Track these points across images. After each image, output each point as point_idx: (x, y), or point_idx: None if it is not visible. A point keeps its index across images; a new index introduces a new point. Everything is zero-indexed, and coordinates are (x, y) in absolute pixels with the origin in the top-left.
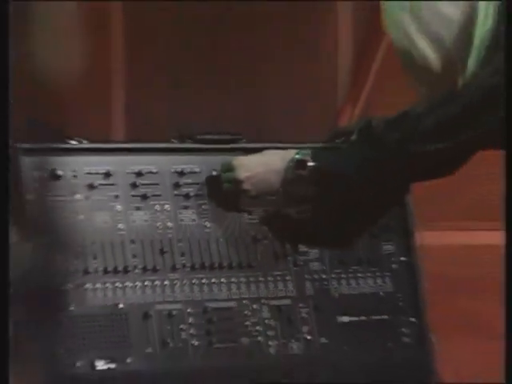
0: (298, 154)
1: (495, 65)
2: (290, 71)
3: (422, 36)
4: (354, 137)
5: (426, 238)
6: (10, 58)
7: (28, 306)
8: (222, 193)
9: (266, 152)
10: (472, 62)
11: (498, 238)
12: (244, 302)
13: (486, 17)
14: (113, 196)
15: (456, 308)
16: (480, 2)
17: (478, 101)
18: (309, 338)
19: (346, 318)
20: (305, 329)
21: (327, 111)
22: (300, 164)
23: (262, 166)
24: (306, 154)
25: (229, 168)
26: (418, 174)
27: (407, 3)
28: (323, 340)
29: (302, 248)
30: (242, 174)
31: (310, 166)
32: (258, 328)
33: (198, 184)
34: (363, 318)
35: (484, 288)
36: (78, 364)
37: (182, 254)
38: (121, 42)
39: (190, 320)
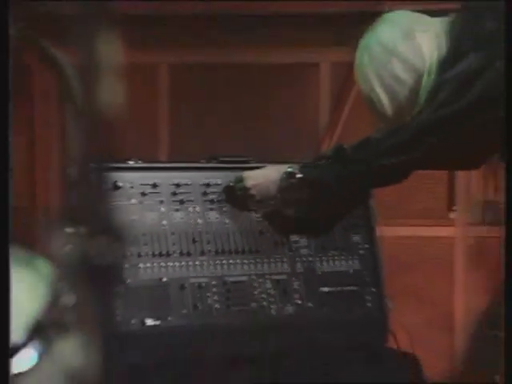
0: (289, 168)
1: (436, 102)
2: (286, 112)
3: (381, 89)
4: (330, 157)
5: (385, 231)
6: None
7: (95, 281)
8: (236, 198)
9: (266, 167)
10: (418, 104)
11: (439, 231)
12: (253, 277)
13: (430, 70)
14: (158, 201)
15: (406, 282)
16: (425, 63)
17: (419, 131)
18: (299, 303)
19: (326, 289)
20: (296, 296)
21: (311, 141)
22: (290, 175)
23: (264, 177)
24: (295, 168)
25: (240, 179)
26: (375, 182)
27: (373, 64)
28: (310, 304)
29: (294, 237)
30: (249, 183)
31: (298, 177)
32: (262, 296)
33: (219, 192)
34: (338, 288)
35: (427, 268)
36: (133, 321)
37: (208, 243)
38: (166, 91)
39: (214, 290)
